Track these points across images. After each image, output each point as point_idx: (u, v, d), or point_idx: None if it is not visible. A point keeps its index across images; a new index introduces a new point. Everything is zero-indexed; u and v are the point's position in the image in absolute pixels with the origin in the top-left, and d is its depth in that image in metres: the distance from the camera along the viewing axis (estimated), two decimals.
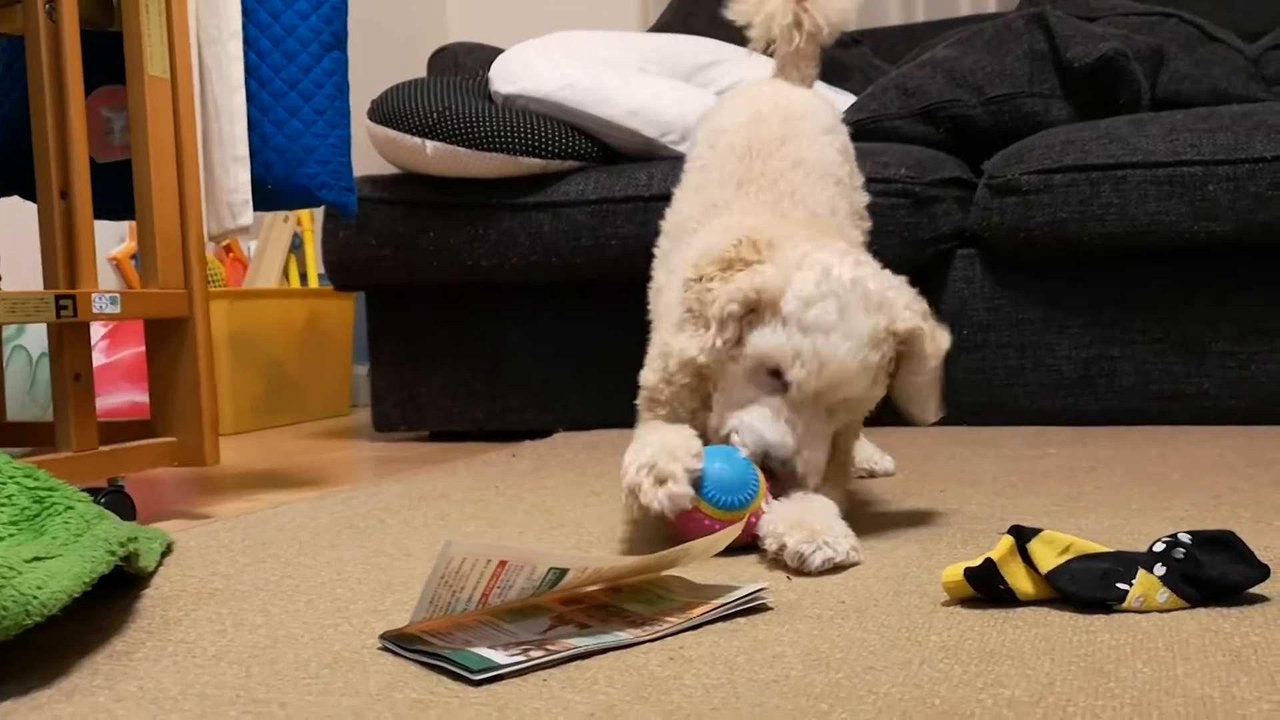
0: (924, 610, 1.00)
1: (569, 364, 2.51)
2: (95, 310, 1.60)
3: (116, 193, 1.89)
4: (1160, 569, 0.96)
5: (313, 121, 1.86)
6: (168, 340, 1.77)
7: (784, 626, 0.96)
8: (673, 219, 1.55)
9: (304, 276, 3.52)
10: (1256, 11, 2.89)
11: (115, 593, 1.14)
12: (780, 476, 1.20)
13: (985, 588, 0.99)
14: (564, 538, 1.34)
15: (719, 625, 0.97)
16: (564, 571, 0.93)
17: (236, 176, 1.80)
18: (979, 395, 2.24)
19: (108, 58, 1.82)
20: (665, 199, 2.04)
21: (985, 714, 0.74)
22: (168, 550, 1.33)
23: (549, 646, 0.89)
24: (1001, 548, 0.99)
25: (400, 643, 0.92)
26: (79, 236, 1.62)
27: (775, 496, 1.21)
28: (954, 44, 2.58)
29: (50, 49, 1.60)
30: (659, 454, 1.16)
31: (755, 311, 1.20)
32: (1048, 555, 0.98)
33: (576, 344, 2.51)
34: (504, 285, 2.49)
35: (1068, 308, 2.19)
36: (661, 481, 1.14)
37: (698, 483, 1.16)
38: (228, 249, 3.41)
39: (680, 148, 2.39)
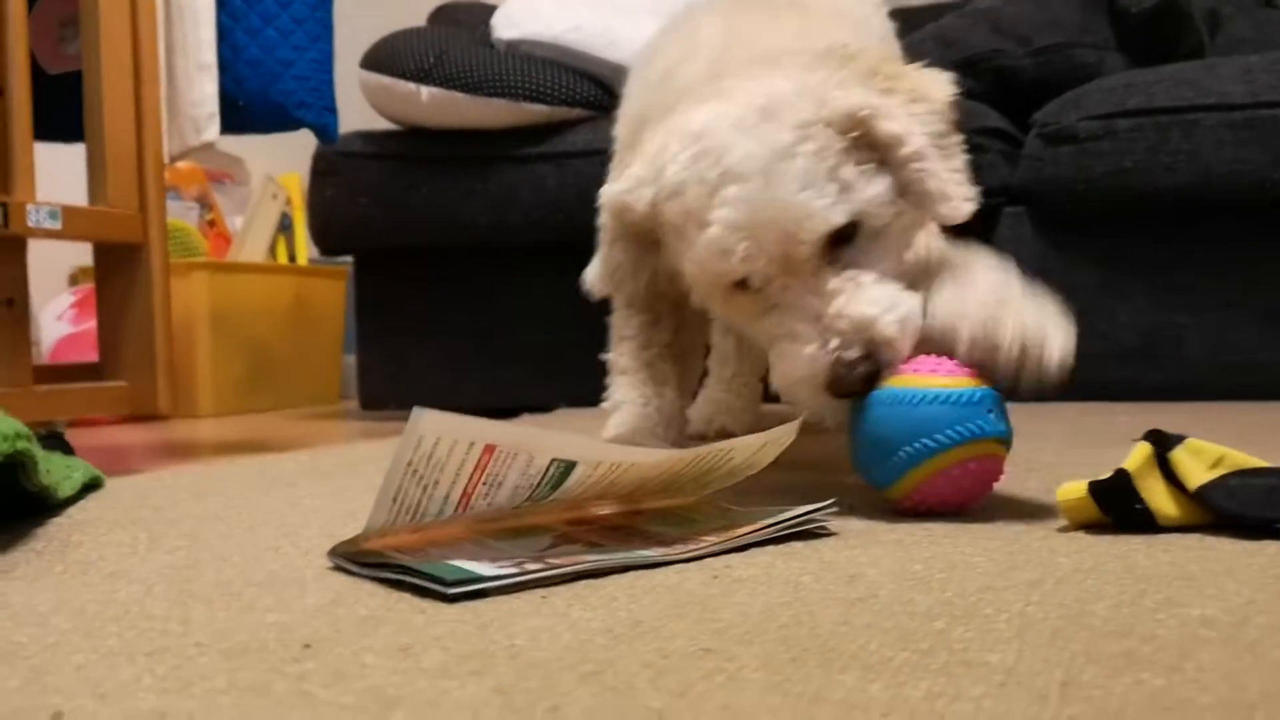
0: (1037, 534, 0.77)
1: (573, 333, 2.28)
2: (31, 224, 1.38)
3: (71, 110, 1.67)
4: None
5: (290, 32, 1.65)
6: (119, 271, 1.55)
7: (856, 550, 0.74)
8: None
9: (292, 259, 3.32)
10: None
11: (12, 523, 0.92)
12: (865, 386, 0.83)
13: (1117, 507, 0.76)
14: None
15: (771, 547, 0.75)
16: (570, 467, 0.71)
17: (202, 87, 1.59)
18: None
19: None
20: None
21: (1173, 635, 0.52)
22: (95, 485, 1.11)
23: (550, 561, 0.67)
24: (1137, 457, 0.77)
25: (355, 558, 0.70)
26: (15, 140, 1.40)
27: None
28: None
29: None
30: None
31: (648, 237, 0.93)
32: (1196, 468, 0.76)
33: (582, 311, 2.27)
34: (503, 247, 2.27)
35: (1128, 270, 1.97)
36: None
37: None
38: (211, 223, 3.20)
39: None
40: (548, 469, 0.70)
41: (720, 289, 0.88)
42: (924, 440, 0.80)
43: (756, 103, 0.86)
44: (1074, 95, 2.01)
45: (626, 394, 1.10)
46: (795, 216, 0.82)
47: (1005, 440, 0.83)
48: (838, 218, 0.83)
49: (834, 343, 0.83)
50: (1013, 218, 2.04)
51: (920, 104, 0.88)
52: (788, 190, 0.82)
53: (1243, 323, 1.92)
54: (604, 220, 0.96)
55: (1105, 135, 1.92)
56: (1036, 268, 2.11)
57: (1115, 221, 1.98)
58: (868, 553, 0.73)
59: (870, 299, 0.84)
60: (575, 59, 2.22)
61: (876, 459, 0.83)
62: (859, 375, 0.83)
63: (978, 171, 0.98)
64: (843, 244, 0.85)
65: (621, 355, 1.14)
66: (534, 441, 0.69)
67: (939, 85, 0.90)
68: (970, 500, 0.85)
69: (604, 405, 1.12)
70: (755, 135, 0.84)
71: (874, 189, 0.85)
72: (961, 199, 0.88)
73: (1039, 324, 0.84)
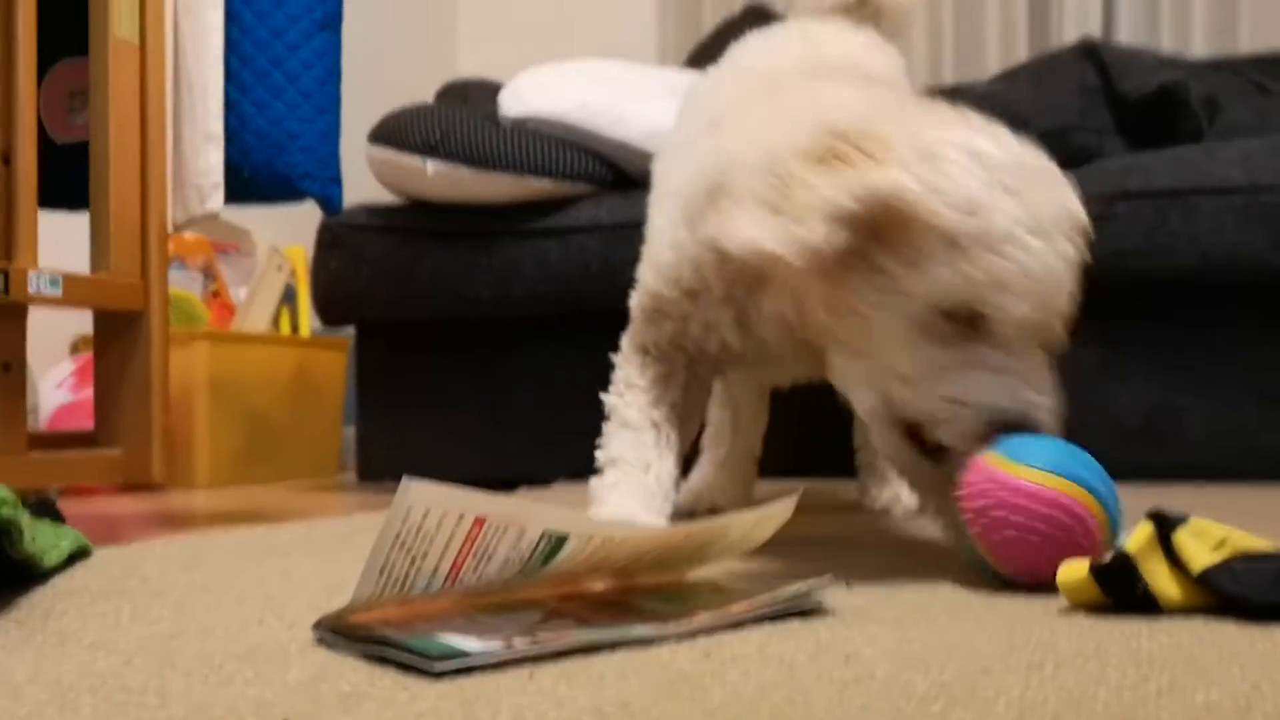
0: (1038, 615, 0.76)
1: (574, 406, 2.27)
2: (32, 290, 1.39)
3: (78, 179, 1.68)
4: None
5: (298, 105, 1.67)
6: (119, 338, 1.55)
7: (853, 629, 0.72)
8: (677, 136, 1.23)
9: (295, 330, 3.32)
10: None
11: None
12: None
13: (1119, 589, 0.75)
14: None
15: (765, 625, 0.73)
16: (563, 540, 0.69)
17: (207, 157, 1.60)
18: None
19: (78, 30, 1.63)
20: None
21: None
22: (83, 554, 1.09)
23: (540, 636, 0.66)
24: (1139, 538, 0.75)
25: (340, 632, 0.68)
26: (20, 208, 1.41)
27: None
28: (999, 78, 2.41)
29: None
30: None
31: (884, 231, 0.84)
32: (1199, 550, 0.74)
33: (582, 384, 2.26)
34: (506, 320, 2.27)
35: (1129, 350, 1.97)
36: None
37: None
38: (215, 293, 3.21)
39: None
40: (539, 542, 0.69)
41: (930, 308, 0.85)
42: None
43: (1037, 163, 0.89)
44: (1073, 177, 2.01)
45: (626, 453, 1.09)
46: (1068, 290, 0.86)
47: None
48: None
49: (1044, 403, 0.86)
50: None
51: None
52: (1068, 265, 0.86)
53: (1244, 405, 1.91)
54: (842, 201, 0.84)
55: (1105, 216, 1.92)
56: None
57: (1116, 302, 1.97)
58: (864, 631, 0.71)
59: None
60: (581, 136, 2.24)
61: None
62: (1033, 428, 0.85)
63: None
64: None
65: (628, 406, 1.12)
66: (525, 514, 0.67)
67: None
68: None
69: (599, 457, 1.10)
70: (1056, 192, 0.88)
71: None
72: None
73: None
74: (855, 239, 0.84)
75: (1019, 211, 0.83)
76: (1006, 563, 0.84)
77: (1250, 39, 3.00)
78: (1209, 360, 1.93)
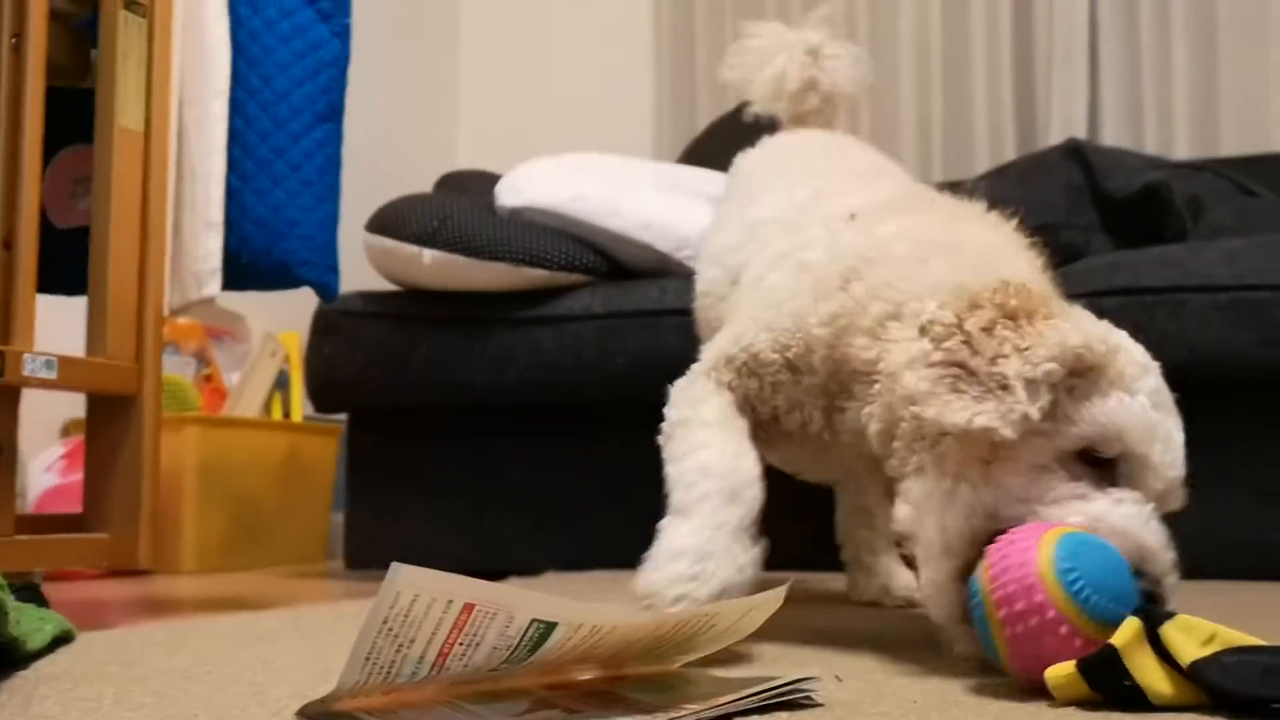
0: (1026, 711, 0.75)
1: (565, 495, 2.28)
2: (27, 372, 1.39)
3: (77, 263, 1.70)
4: None
5: (298, 194, 1.69)
6: (111, 421, 1.55)
7: None
8: (745, 223, 1.27)
9: (287, 415, 3.32)
10: None
11: None
12: (1151, 600, 0.84)
13: (1106, 684, 0.75)
14: None
15: (754, 717, 0.73)
16: (551, 627, 0.69)
17: (206, 243, 1.62)
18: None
19: (83, 118, 1.66)
20: (679, 313, 1.86)
21: None
22: (67, 638, 1.08)
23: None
24: (1126, 632, 0.75)
25: (324, 718, 0.68)
26: (18, 292, 1.42)
27: None
28: (988, 175, 2.45)
29: (11, 84, 1.44)
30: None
31: (1078, 376, 0.88)
32: (1188, 645, 0.74)
33: (574, 473, 2.28)
34: (498, 407, 2.28)
35: None
36: None
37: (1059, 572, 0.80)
38: (208, 378, 3.21)
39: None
40: (527, 629, 0.69)
41: (1077, 443, 0.88)
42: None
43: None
44: (1060, 274, 2.03)
45: (712, 462, 1.04)
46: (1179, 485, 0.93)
47: None
48: None
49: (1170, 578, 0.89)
50: None
51: None
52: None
53: (1236, 502, 1.91)
54: (1050, 367, 0.86)
55: (1092, 313, 1.94)
56: None
57: None
58: None
59: None
60: (577, 227, 2.28)
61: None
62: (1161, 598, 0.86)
63: None
64: None
65: (707, 409, 1.09)
66: (514, 600, 0.67)
67: None
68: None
69: (672, 483, 1.05)
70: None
71: None
72: None
73: None
74: (1051, 399, 0.87)
75: (1168, 395, 0.94)
76: (1021, 669, 0.81)
77: (1232, 141, 3.05)
78: (1200, 457, 1.91)
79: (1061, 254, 2.18)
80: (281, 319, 3.14)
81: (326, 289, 1.73)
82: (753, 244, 1.23)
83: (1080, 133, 3.09)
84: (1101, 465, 0.88)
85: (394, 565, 0.64)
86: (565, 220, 2.28)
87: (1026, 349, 0.86)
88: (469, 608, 0.66)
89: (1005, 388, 0.85)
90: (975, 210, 1.14)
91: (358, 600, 1.60)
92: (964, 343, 0.88)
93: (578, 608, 0.71)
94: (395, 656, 0.66)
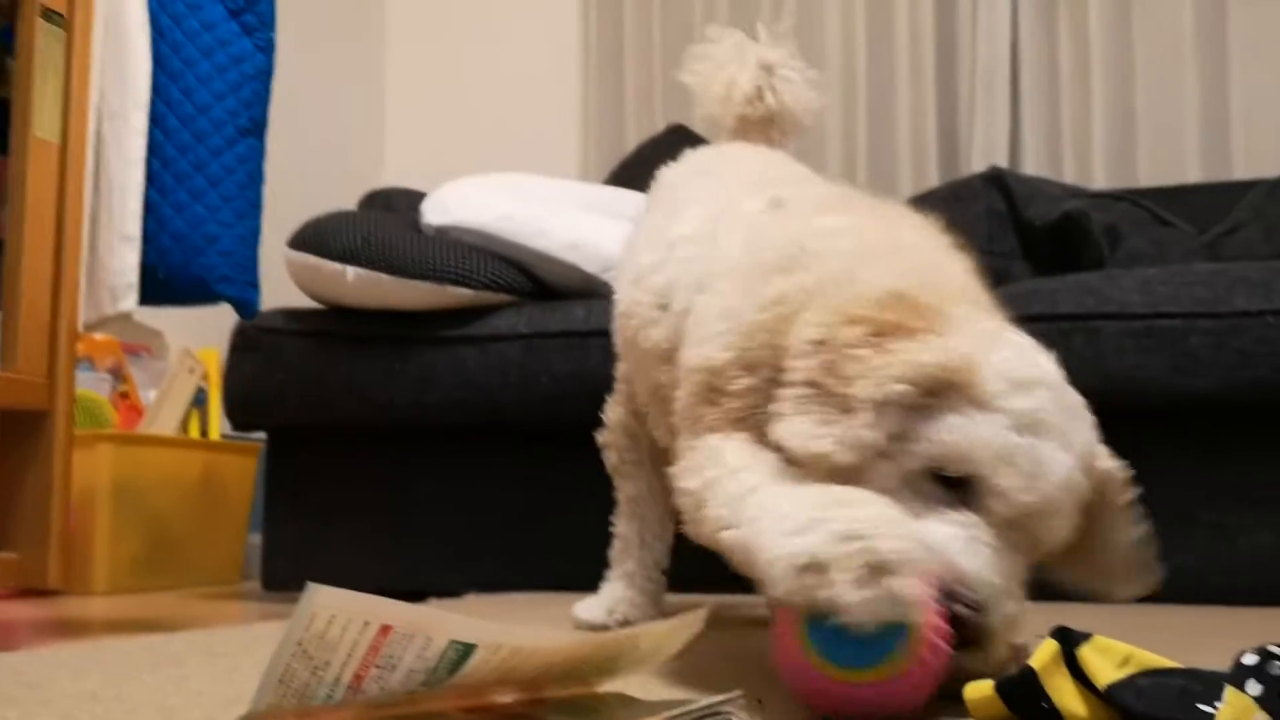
0: None
1: (486, 518, 2.26)
2: None
3: None
4: (1255, 687, 0.74)
5: (218, 209, 1.67)
6: (22, 438, 1.51)
7: None
8: (662, 241, 1.21)
9: (204, 434, 3.26)
10: (1202, 210, 2.86)
11: None
12: (962, 627, 0.80)
13: (1024, 706, 0.75)
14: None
15: None
16: (470, 649, 0.68)
17: (123, 258, 1.58)
18: None
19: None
20: (604, 334, 1.85)
21: None
22: None
23: None
24: (1043, 654, 0.76)
25: None
26: None
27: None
28: (911, 202, 2.48)
29: None
30: (861, 517, 0.75)
31: (934, 395, 0.83)
32: (1104, 666, 0.75)
33: (495, 495, 2.26)
34: (420, 427, 2.25)
35: None
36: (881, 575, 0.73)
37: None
38: (123, 395, 3.14)
39: None
40: (445, 651, 0.67)
41: (932, 464, 0.84)
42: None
43: (1073, 397, 0.90)
44: None
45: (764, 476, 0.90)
46: (1064, 513, 0.86)
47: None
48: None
49: (1000, 609, 0.84)
50: None
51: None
52: (1075, 491, 0.86)
53: (1148, 526, 1.95)
54: (898, 388, 0.83)
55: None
56: None
57: None
58: None
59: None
60: (503, 246, 2.27)
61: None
62: (975, 621, 0.81)
63: None
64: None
65: (729, 453, 0.94)
66: (432, 622, 0.66)
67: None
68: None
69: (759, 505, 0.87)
70: (1085, 425, 0.89)
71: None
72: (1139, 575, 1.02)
73: None
74: (900, 421, 0.84)
75: (1053, 412, 0.85)
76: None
77: (1148, 172, 3.13)
78: None
79: (984, 278, 2.23)
80: (200, 335, 3.08)
81: (246, 305, 1.70)
82: (673, 264, 1.18)
83: (1002, 161, 3.16)
84: (958, 485, 0.84)
85: (310, 586, 0.62)
86: (491, 240, 2.26)
87: (880, 369, 0.83)
88: (386, 629, 0.65)
89: (850, 411, 0.83)
90: (906, 213, 1.11)
91: (273, 622, 1.57)
92: (826, 361, 0.85)
93: (497, 629, 0.70)
94: (310, 679, 0.64)
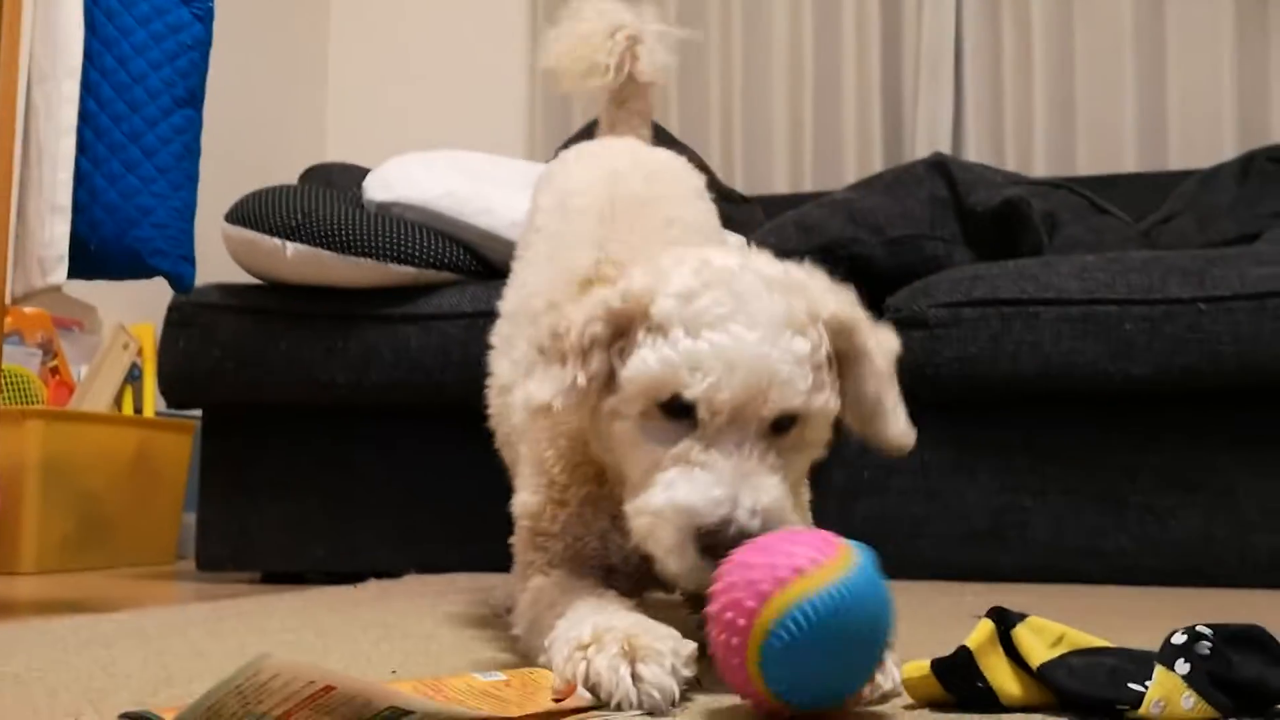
0: (882, 713, 0.76)
1: (427, 498, 2.24)
2: None
3: None
4: (1183, 666, 0.75)
5: (153, 180, 1.63)
6: None
7: None
8: (516, 297, 1.26)
9: (139, 411, 3.20)
10: (1137, 199, 2.90)
11: None
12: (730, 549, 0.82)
13: (959, 685, 0.76)
14: (410, 648, 1.07)
15: None
16: (408, 714, 0.66)
17: (53, 228, 1.54)
18: (880, 545, 2.02)
19: None
20: None
21: None
22: None
23: None
24: (979, 634, 0.77)
25: None
26: None
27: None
28: (854, 186, 2.49)
29: None
30: (622, 624, 0.81)
31: (625, 336, 0.89)
32: (1037, 646, 0.76)
33: (437, 475, 2.24)
34: (360, 406, 2.23)
35: (976, 453, 2.03)
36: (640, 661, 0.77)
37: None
38: (54, 370, 3.07)
39: None
40: (383, 711, 0.66)
41: (646, 404, 0.87)
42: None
43: (776, 272, 0.90)
44: (924, 284, 2.10)
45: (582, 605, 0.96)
46: (778, 379, 0.85)
47: None
48: (807, 403, 0.86)
49: (745, 501, 0.82)
50: None
51: (883, 340, 0.96)
52: (782, 355, 0.85)
53: (1083, 508, 1.98)
54: (590, 328, 0.90)
55: (953, 323, 2.00)
56: None
57: (964, 404, 2.04)
58: None
59: (782, 501, 0.85)
60: (446, 224, 2.24)
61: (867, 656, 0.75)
62: (738, 536, 0.81)
63: None
64: (779, 433, 0.87)
65: (551, 595, 1.01)
66: (376, 690, 0.64)
67: (892, 336, 0.98)
68: None
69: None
70: (778, 295, 0.88)
71: (832, 402, 0.90)
72: (909, 426, 0.96)
73: None
74: (607, 357, 0.89)
75: (727, 302, 0.86)
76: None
77: (1087, 161, 3.18)
78: (1051, 464, 2.01)
79: (925, 265, 2.24)
80: (135, 310, 3.02)
81: (180, 280, 1.67)
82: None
83: (945, 147, 3.18)
84: (686, 413, 0.86)
85: (262, 653, 0.60)
86: (434, 217, 2.24)
87: (579, 319, 0.90)
88: (328, 689, 0.63)
89: (563, 361, 0.90)
90: (667, 164, 1.26)
91: (207, 603, 1.54)
92: (549, 325, 0.92)
93: (440, 706, 0.68)
94: (239, 711, 0.62)
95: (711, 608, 0.74)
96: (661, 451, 0.87)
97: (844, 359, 0.92)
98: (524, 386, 0.93)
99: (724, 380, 0.84)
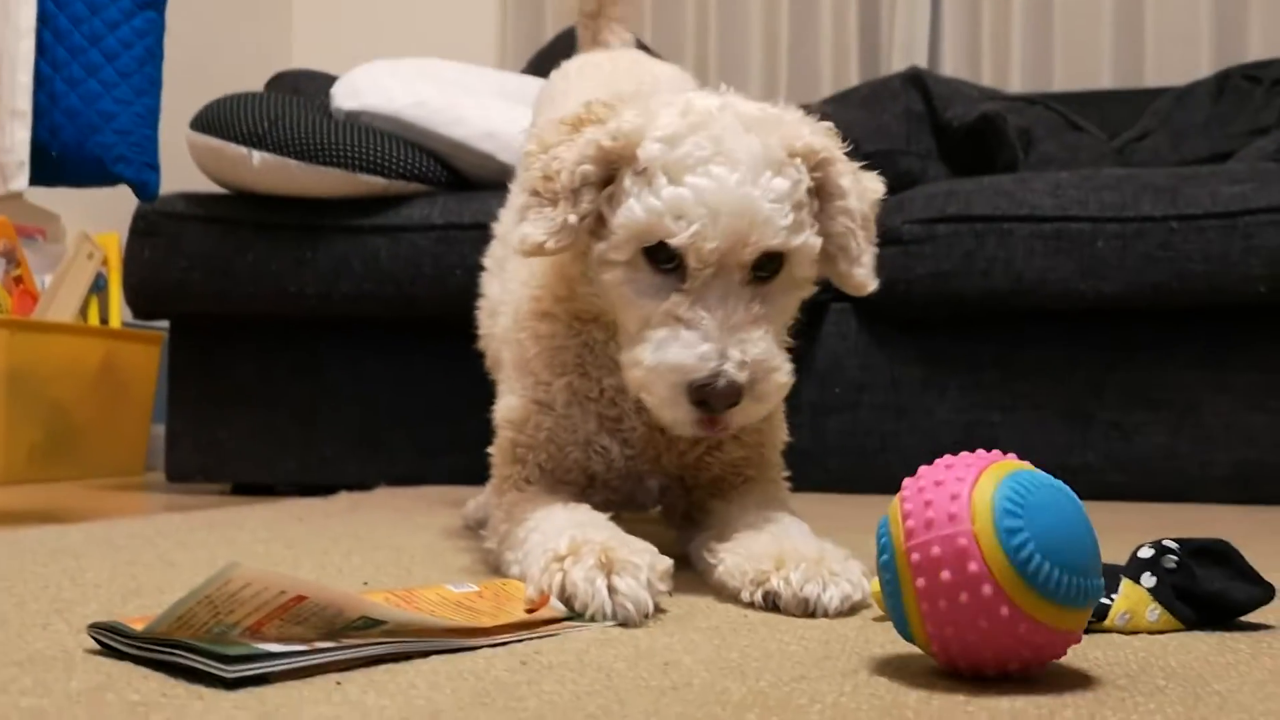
0: (853, 624, 0.77)
1: (398, 410, 2.23)
2: None
3: None
4: (1149, 579, 0.76)
5: (115, 85, 1.58)
6: None
7: (673, 636, 0.72)
8: (511, 219, 1.23)
9: (104, 321, 3.16)
10: (1112, 116, 2.89)
11: None
12: (721, 406, 0.85)
13: None
14: (381, 560, 1.07)
15: (587, 635, 0.72)
16: (379, 625, 0.66)
17: (13, 134, 1.50)
18: (850, 460, 2.05)
19: None
20: None
21: None
22: None
23: (346, 640, 0.63)
24: None
25: (121, 636, 0.64)
26: None
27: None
28: (829, 100, 2.47)
29: None
30: (599, 536, 0.81)
31: (614, 181, 0.91)
32: None
33: (408, 388, 2.23)
34: (330, 318, 2.20)
35: (946, 369, 2.04)
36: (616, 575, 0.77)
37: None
38: (17, 279, 3.02)
39: None
40: (354, 620, 0.65)
41: (634, 251, 0.89)
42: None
43: (754, 110, 0.92)
44: (898, 200, 2.08)
45: (552, 512, 0.98)
46: (757, 221, 0.86)
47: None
48: (788, 241, 0.88)
49: (734, 354, 0.85)
50: (839, 314, 2.09)
51: (864, 181, 0.97)
52: (763, 198, 0.86)
53: (1050, 424, 2.00)
54: (582, 167, 0.91)
55: (927, 239, 1.99)
56: (862, 362, 2.19)
57: (936, 321, 2.05)
58: (685, 639, 0.71)
59: (770, 350, 0.88)
60: (416, 134, 2.20)
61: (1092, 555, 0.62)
62: (731, 392, 0.84)
63: None
64: (765, 280, 0.89)
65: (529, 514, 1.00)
66: (347, 600, 0.64)
67: (875, 180, 0.99)
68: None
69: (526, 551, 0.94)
70: (756, 135, 0.88)
71: (814, 240, 0.91)
72: (871, 272, 0.96)
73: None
74: (597, 198, 0.91)
75: (707, 146, 0.87)
76: (938, 645, 0.61)
77: (1063, 77, 3.16)
78: (1020, 380, 2.02)
79: (900, 180, 2.23)
80: (99, 219, 2.97)
81: (145, 187, 1.63)
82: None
83: (921, 61, 3.15)
84: (675, 262, 0.88)
85: (231, 563, 0.59)
86: (405, 126, 2.20)
87: (571, 159, 0.91)
88: (300, 598, 0.62)
89: (555, 202, 0.91)
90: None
91: (176, 514, 1.54)
92: (541, 168, 0.93)
93: (411, 616, 0.67)
94: (209, 621, 0.62)
95: (914, 557, 0.60)
96: (652, 307, 0.89)
97: (822, 195, 0.94)
98: (516, 231, 0.94)
99: (708, 228, 0.86)
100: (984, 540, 0.59)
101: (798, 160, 0.90)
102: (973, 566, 0.58)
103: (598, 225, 0.92)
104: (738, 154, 0.87)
